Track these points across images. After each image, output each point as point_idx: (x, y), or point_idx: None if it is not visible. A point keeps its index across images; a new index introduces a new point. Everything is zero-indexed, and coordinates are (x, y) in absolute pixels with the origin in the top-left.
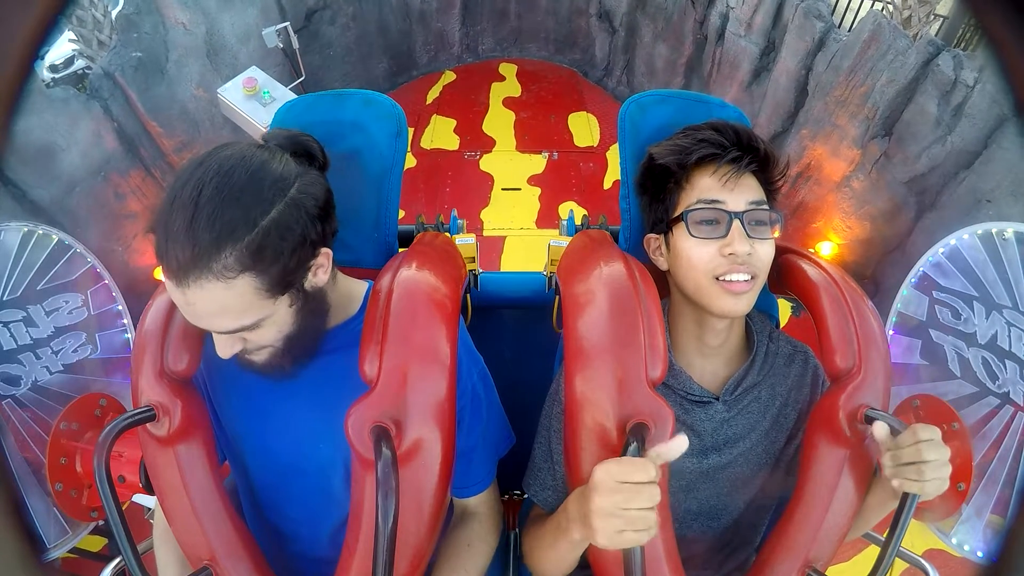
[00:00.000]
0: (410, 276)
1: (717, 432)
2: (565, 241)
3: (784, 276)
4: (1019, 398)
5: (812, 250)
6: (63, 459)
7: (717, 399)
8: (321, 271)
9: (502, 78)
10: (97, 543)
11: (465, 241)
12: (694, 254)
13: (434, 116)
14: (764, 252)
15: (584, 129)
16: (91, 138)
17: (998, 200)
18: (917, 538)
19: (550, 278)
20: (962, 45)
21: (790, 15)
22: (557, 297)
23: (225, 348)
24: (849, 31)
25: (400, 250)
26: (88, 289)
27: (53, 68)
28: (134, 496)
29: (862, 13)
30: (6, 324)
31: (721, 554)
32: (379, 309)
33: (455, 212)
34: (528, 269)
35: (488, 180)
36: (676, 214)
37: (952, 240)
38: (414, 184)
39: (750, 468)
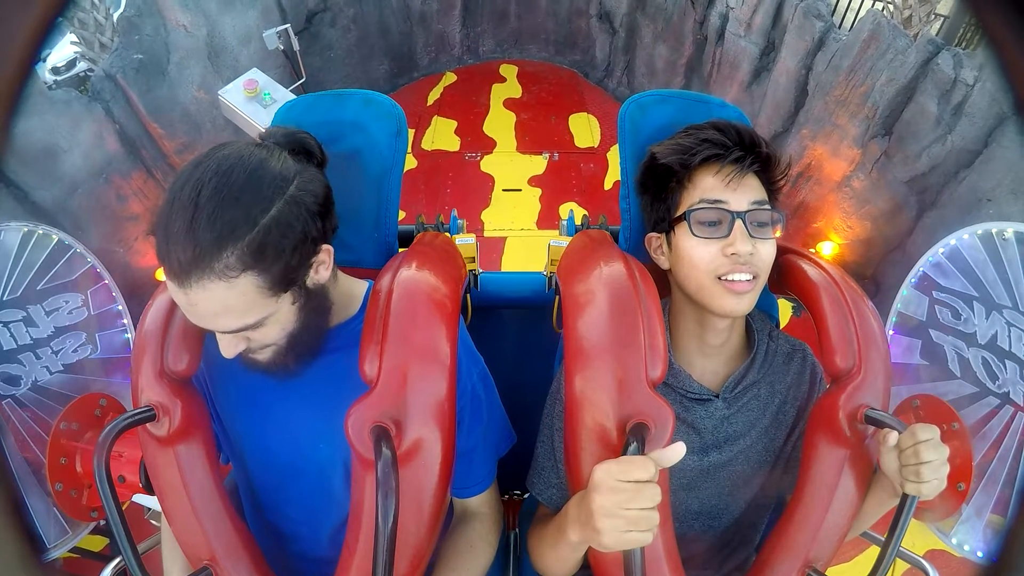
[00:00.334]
0: (410, 276)
1: (717, 430)
2: (565, 241)
3: (784, 276)
4: (1019, 398)
5: (813, 250)
6: (63, 459)
7: (717, 397)
8: (323, 268)
9: (503, 79)
10: (97, 543)
11: (465, 241)
12: (696, 254)
13: (435, 117)
14: (766, 252)
15: (584, 130)
16: (93, 140)
17: (998, 199)
18: (917, 538)
19: (550, 278)
20: (963, 44)
21: (790, 15)
22: (557, 297)
23: (229, 348)
24: (849, 31)
25: (400, 250)
26: (88, 289)
27: (55, 70)
28: (134, 496)
29: (862, 13)
30: (6, 324)
31: (721, 553)
32: (379, 309)
33: (455, 212)
34: (528, 270)
35: (489, 181)
36: (678, 213)
37: (952, 240)
38: (415, 185)
39: (750, 466)
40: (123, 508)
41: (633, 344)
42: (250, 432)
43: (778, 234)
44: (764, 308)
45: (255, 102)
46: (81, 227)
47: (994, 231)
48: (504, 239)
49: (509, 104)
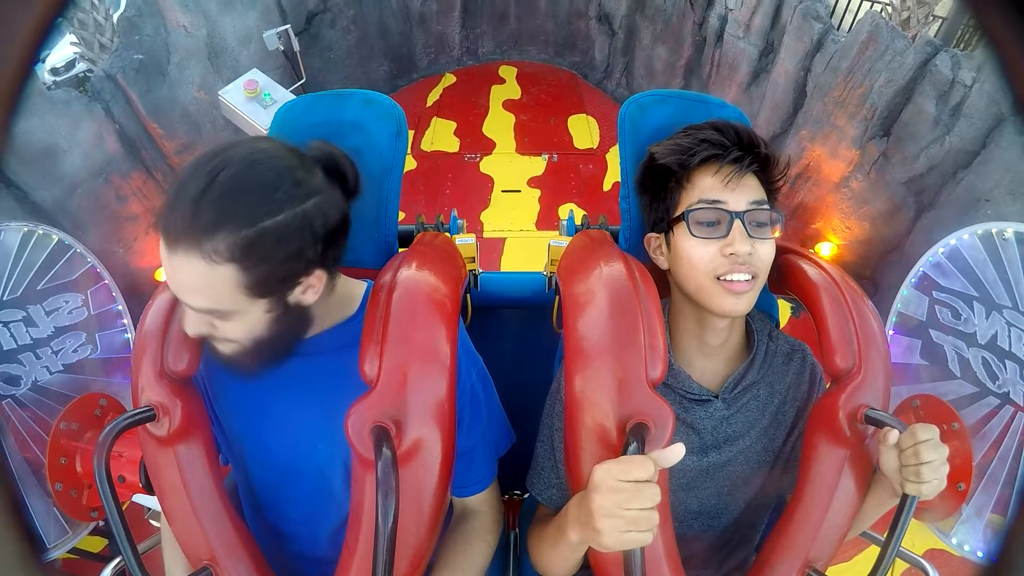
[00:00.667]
0: (410, 276)
1: (717, 430)
2: (565, 241)
3: (784, 276)
4: (1019, 398)
5: (812, 250)
6: (63, 459)
7: (716, 397)
8: (311, 291)
9: (502, 80)
10: (97, 543)
11: (465, 241)
12: (695, 254)
13: (434, 119)
14: (765, 252)
15: (584, 131)
16: (93, 140)
17: (996, 199)
18: (917, 538)
19: (550, 278)
20: (960, 46)
21: (788, 17)
22: (557, 297)
23: (192, 325)
24: (847, 32)
25: (400, 250)
26: (88, 289)
27: (55, 71)
28: (134, 496)
29: (860, 15)
30: (6, 324)
31: (721, 553)
32: (379, 309)
33: (455, 212)
34: (528, 270)
35: (488, 182)
36: (677, 214)
37: (952, 240)
38: (414, 187)
39: (749, 466)
40: (123, 508)
41: (633, 344)
42: (249, 432)
43: (777, 234)
44: (764, 308)
45: (255, 102)
46: (81, 227)
47: (994, 231)
48: (503, 240)
49: (508, 105)
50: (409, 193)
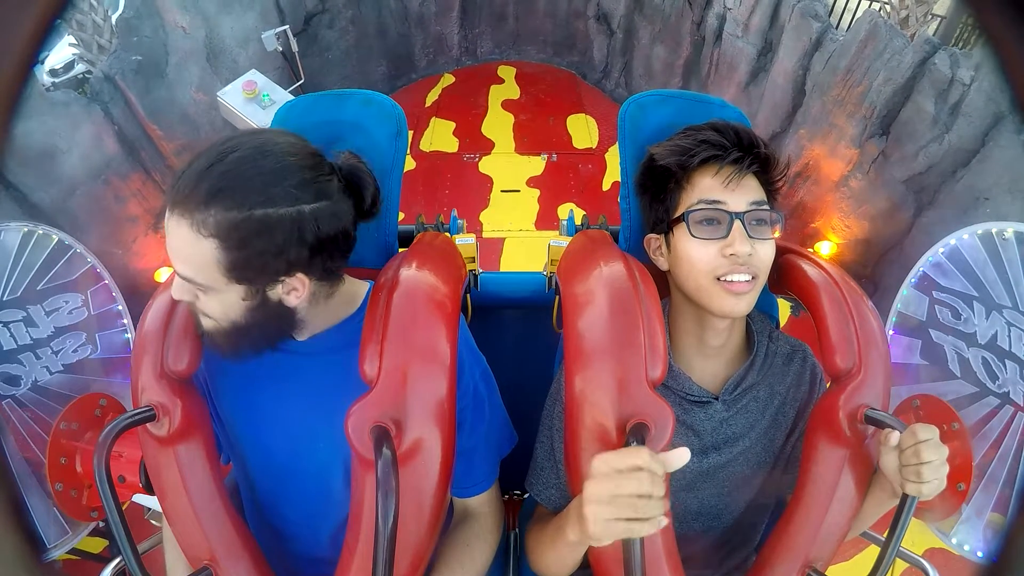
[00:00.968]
0: (410, 276)
1: (716, 431)
2: (565, 241)
3: (784, 276)
4: (1019, 398)
5: (811, 250)
6: (63, 459)
7: (716, 399)
8: (294, 294)
9: (501, 80)
10: (97, 544)
11: (465, 241)
12: (695, 254)
13: (433, 119)
14: (765, 252)
15: (583, 131)
16: (92, 141)
17: (996, 198)
18: (917, 538)
19: (550, 278)
20: (959, 44)
21: (787, 16)
22: (557, 297)
23: (177, 289)
24: (846, 31)
25: (400, 250)
26: (88, 289)
27: (54, 72)
28: (134, 496)
29: (859, 13)
30: (6, 324)
31: (721, 553)
32: (379, 309)
33: (455, 212)
34: (528, 270)
35: (487, 182)
36: (677, 214)
37: (952, 240)
38: (413, 187)
39: (750, 467)
40: (123, 508)
41: (633, 344)
42: (249, 432)
43: (777, 234)
44: (764, 308)
45: (254, 103)
46: (80, 228)
47: (994, 231)
48: (503, 240)
49: (507, 105)
50: (408, 193)
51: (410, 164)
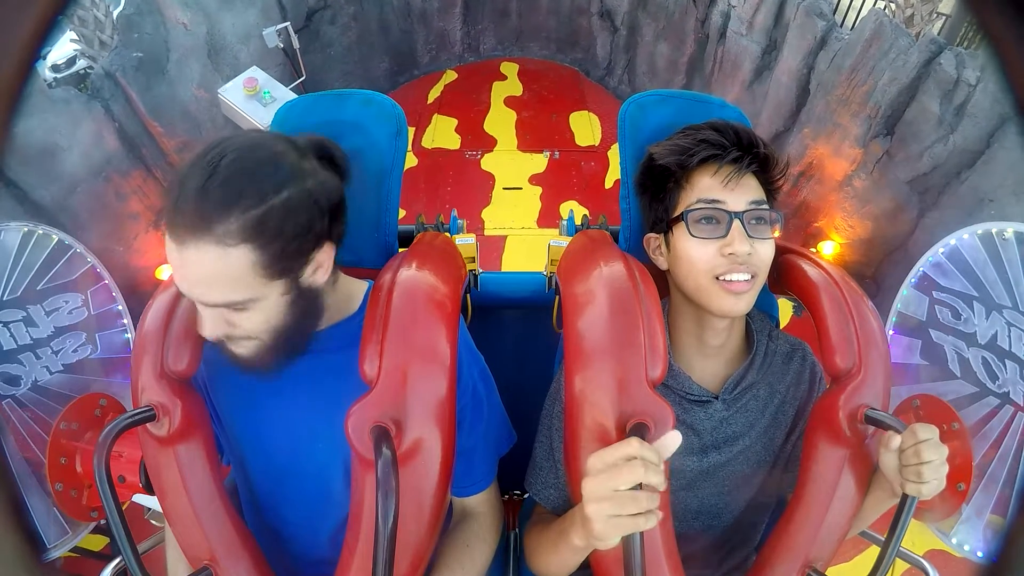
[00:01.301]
0: (410, 276)
1: (716, 431)
2: (565, 241)
3: (784, 276)
4: (1019, 398)
5: (814, 250)
6: (63, 459)
7: (716, 398)
8: (321, 270)
9: (503, 77)
10: (97, 542)
11: (465, 241)
12: (694, 254)
13: (435, 115)
14: (764, 252)
15: (585, 128)
16: (92, 138)
17: (1000, 199)
18: (917, 538)
19: (550, 278)
20: (964, 44)
21: (792, 14)
22: (557, 297)
23: (211, 327)
24: (851, 30)
25: (400, 250)
26: (88, 289)
27: (55, 68)
28: (134, 496)
29: (864, 12)
30: (6, 324)
31: (721, 553)
32: (379, 309)
33: (455, 212)
34: (530, 269)
35: (489, 179)
36: (676, 214)
37: (952, 240)
38: (415, 184)
39: (750, 466)
40: (123, 508)
41: (633, 344)
42: (249, 433)
43: (777, 234)
44: (764, 308)
45: (255, 100)
46: (81, 226)
47: (994, 231)
48: (504, 238)
49: (510, 102)
50: (410, 190)
51: (412, 161)
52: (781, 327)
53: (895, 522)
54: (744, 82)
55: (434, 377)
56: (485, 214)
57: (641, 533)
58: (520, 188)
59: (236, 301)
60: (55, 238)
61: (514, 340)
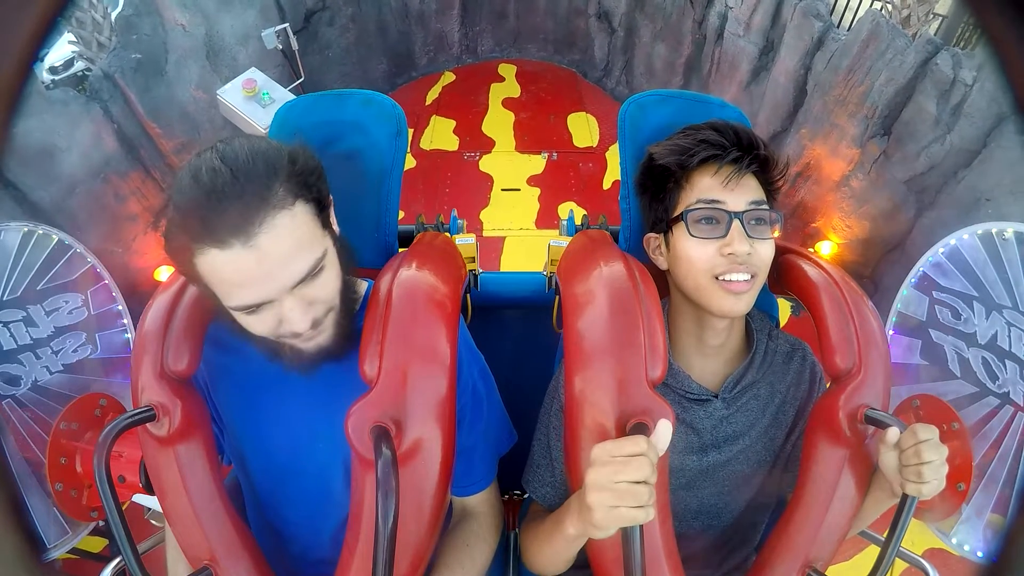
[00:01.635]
0: (410, 276)
1: (716, 430)
2: (565, 241)
3: (784, 276)
4: (1019, 398)
5: (812, 250)
6: (63, 459)
7: (716, 397)
8: (333, 216)
9: (501, 79)
10: (97, 543)
11: (465, 241)
12: (694, 254)
13: (433, 117)
14: (764, 252)
15: (583, 129)
16: (91, 140)
17: (997, 199)
18: (917, 538)
19: (550, 278)
20: (961, 44)
21: (789, 14)
22: (557, 297)
23: (299, 314)
24: (848, 30)
25: (400, 250)
26: (88, 289)
27: (53, 70)
28: (134, 496)
29: (860, 12)
30: (6, 324)
31: (721, 553)
32: (379, 309)
33: (455, 212)
34: (528, 270)
35: (488, 180)
36: (676, 214)
37: (952, 240)
38: (413, 185)
39: (750, 465)
40: (123, 508)
41: (633, 344)
42: (249, 433)
43: (776, 234)
44: (764, 308)
45: (254, 101)
46: (79, 227)
47: (994, 231)
48: (503, 239)
49: (508, 103)
50: (408, 191)
51: (410, 162)
52: (781, 327)
53: (895, 522)
54: (741, 83)
55: (434, 377)
56: (483, 215)
57: (641, 533)
58: (518, 189)
59: (317, 259)
60: (55, 238)
61: (514, 340)
